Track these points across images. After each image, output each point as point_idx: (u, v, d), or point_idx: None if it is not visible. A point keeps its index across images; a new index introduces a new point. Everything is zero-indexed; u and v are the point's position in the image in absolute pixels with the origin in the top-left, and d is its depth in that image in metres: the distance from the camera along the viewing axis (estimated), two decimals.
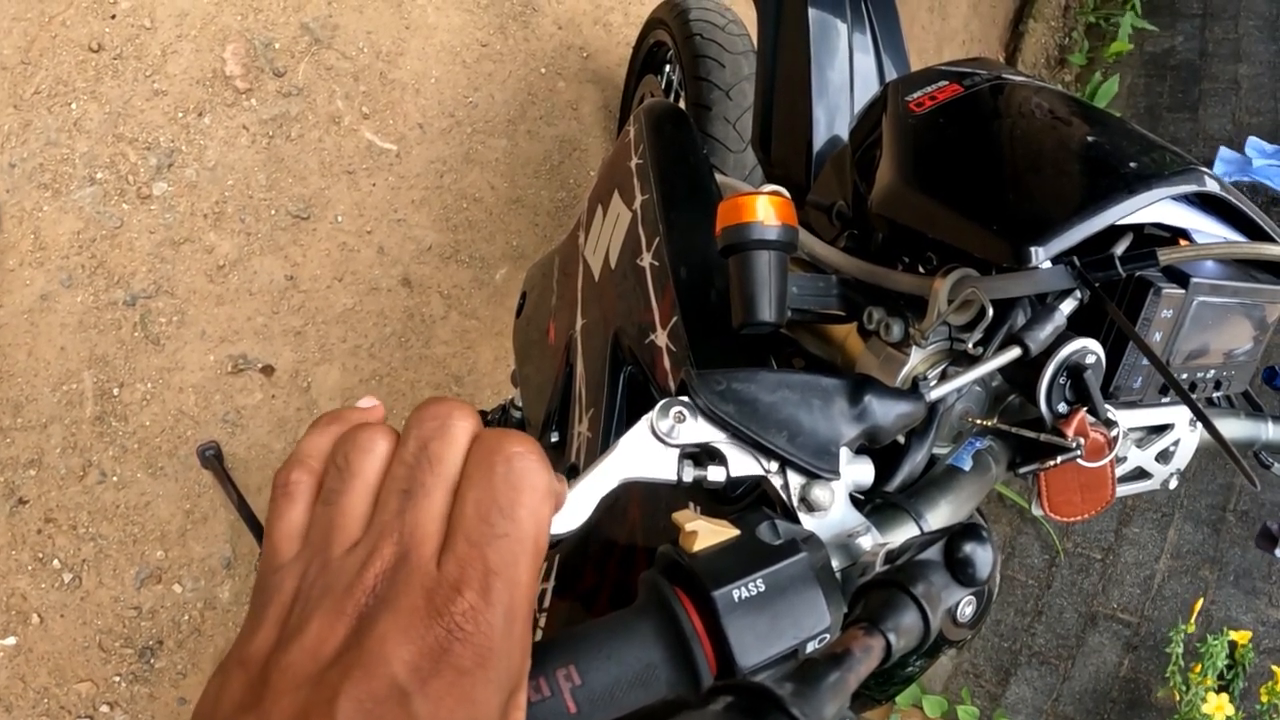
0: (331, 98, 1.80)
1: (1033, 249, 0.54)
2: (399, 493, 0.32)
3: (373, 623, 0.29)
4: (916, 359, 0.60)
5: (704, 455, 0.46)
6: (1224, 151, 3.02)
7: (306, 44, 1.77)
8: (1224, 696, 2.00)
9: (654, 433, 0.45)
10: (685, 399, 0.46)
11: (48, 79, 1.50)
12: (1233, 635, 2.09)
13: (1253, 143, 3.01)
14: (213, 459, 1.63)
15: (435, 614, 0.29)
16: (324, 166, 1.79)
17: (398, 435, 0.35)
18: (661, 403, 0.45)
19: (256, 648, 0.30)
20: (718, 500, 0.59)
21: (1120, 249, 0.57)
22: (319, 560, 0.32)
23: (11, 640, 1.48)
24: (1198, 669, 2.07)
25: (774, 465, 0.47)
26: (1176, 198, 0.59)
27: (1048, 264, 0.55)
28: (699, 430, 0.45)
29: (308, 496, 0.34)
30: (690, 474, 0.45)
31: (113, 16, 1.56)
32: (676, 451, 0.45)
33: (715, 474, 0.46)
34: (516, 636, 0.30)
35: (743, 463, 0.46)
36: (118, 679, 1.56)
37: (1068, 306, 0.55)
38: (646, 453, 0.44)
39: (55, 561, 1.51)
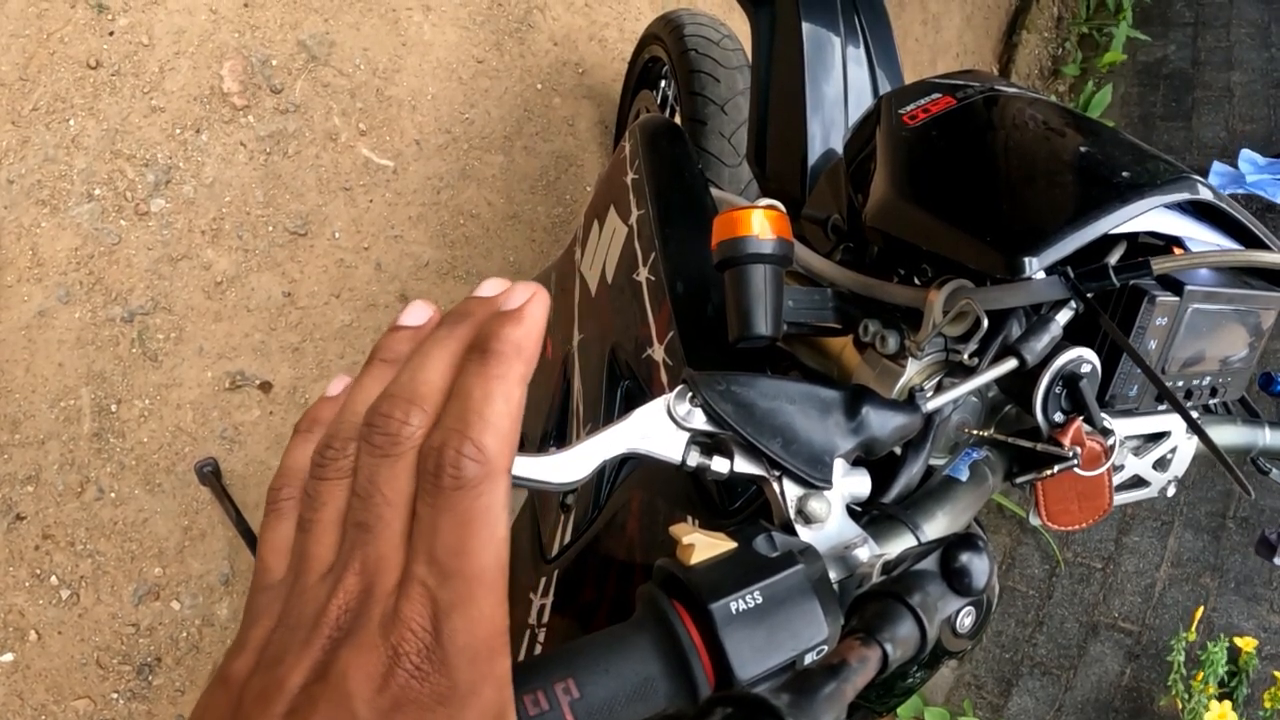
0: (329, 114, 1.81)
1: (1026, 260, 0.54)
2: (355, 525, 0.31)
3: (336, 657, 0.29)
4: (912, 371, 0.60)
5: (711, 446, 0.46)
6: (1217, 165, 3.04)
7: (303, 61, 1.78)
8: (1226, 704, 1.99)
9: (670, 413, 0.45)
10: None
11: (46, 95, 1.51)
12: (1237, 642, 2.09)
13: (1245, 156, 3.04)
14: (211, 475, 1.63)
15: (393, 652, 0.28)
16: (321, 183, 1.80)
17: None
18: (681, 386, 0.45)
19: (237, 669, 0.30)
20: (715, 514, 0.60)
21: (1114, 258, 0.57)
22: (298, 586, 0.32)
23: (9, 657, 1.47)
24: (1200, 677, 2.07)
25: (775, 470, 0.47)
26: (1170, 206, 0.60)
27: (1042, 274, 0.55)
28: (710, 421, 0.46)
29: (295, 513, 0.34)
30: (695, 460, 0.45)
31: (111, 33, 1.56)
32: (686, 435, 0.45)
33: (719, 465, 0.46)
34: (485, 672, 0.29)
35: (747, 461, 0.47)
36: (115, 696, 1.55)
37: (1063, 316, 0.56)
38: (657, 430, 0.45)
39: (53, 578, 1.51)
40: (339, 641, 0.29)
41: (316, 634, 0.29)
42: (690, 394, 0.45)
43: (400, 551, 0.30)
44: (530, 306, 0.33)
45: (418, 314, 0.36)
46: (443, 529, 0.29)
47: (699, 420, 0.45)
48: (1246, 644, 2.09)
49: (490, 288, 0.35)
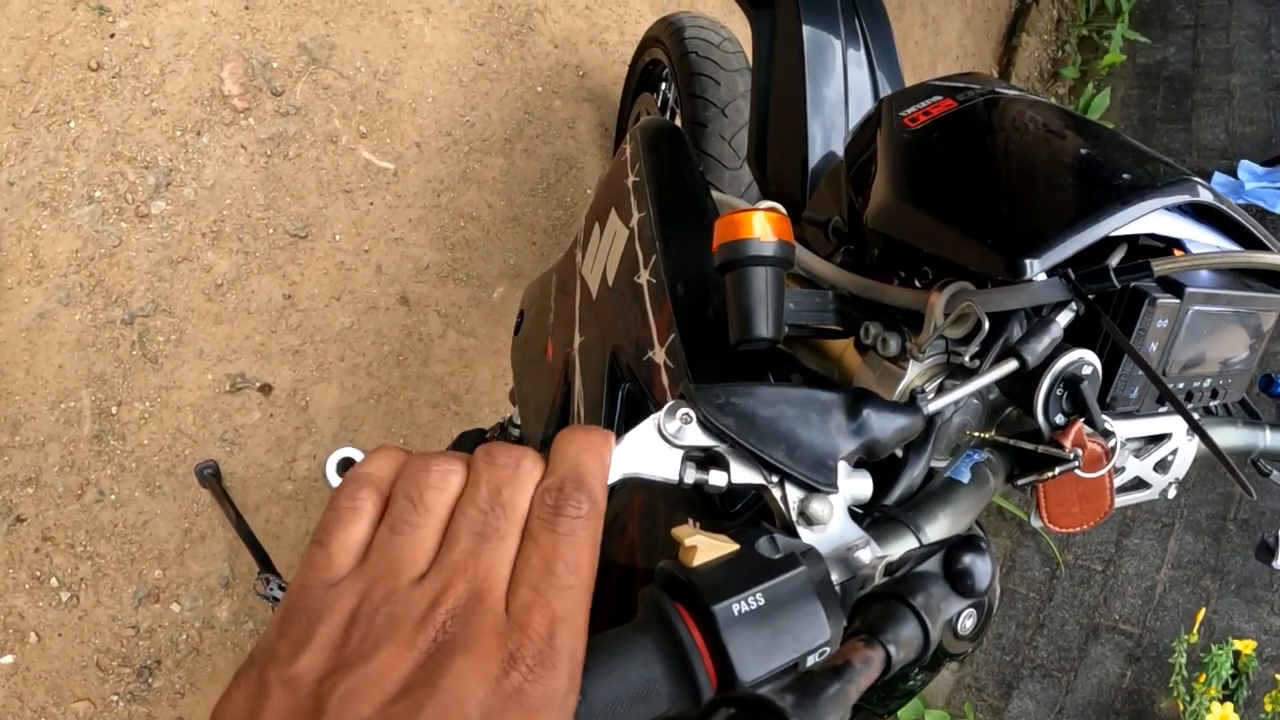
0: (329, 117, 1.81)
1: (1027, 262, 0.54)
2: (473, 534, 0.34)
3: (448, 660, 0.29)
4: (913, 373, 0.60)
5: (707, 460, 0.46)
6: (1217, 176, 3.06)
7: (304, 63, 1.78)
8: (1228, 706, 1.99)
9: (660, 432, 0.45)
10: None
11: (46, 97, 1.51)
12: (1237, 645, 2.09)
13: (1244, 165, 3.05)
14: (211, 478, 1.63)
15: (509, 659, 0.30)
16: (322, 185, 1.80)
17: (464, 471, 0.36)
18: (669, 404, 0.45)
19: (306, 667, 0.30)
20: (716, 516, 0.60)
21: (1115, 260, 0.57)
22: (383, 587, 0.32)
23: (9, 659, 1.47)
24: (1201, 679, 2.07)
25: (774, 477, 0.47)
26: (1170, 208, 0.60)
27: (1043, 276, 0.55)
28: (704, 435, 0.46)
29: (372, 516, 0.35)
30: (692, 476, 0.45)
31: (111, 36, 1.57)
32: (680, 453, 0.45)
33: (717, 479, 0.46)
34: (575, 681, 0.32)
35: (745, 470, 0.46)
36: (115, 698, 1.55)
37: (1064, 318, 0.56)
38: (650, 451, 0.44)
39: (53, 580, 1.51)
40: (446, 645, 0.30)
41: (419, 635, 0.30)
42: (680, 410, 0.45)
43: (510, 565, 0.34)
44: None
45: None
46: (564, 550, 0.34)
47: (690, 436, 0.45)
48: (1245, 646, 2.09)
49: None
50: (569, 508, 0.34)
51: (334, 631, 0.31)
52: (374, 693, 0.28)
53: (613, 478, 0.43)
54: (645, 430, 0.44)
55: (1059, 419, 0.56)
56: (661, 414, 0.45)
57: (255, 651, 0.31)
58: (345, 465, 0.40)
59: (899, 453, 0.56)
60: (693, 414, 0.45)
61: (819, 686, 0.31)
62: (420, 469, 0.35)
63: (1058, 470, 0.55)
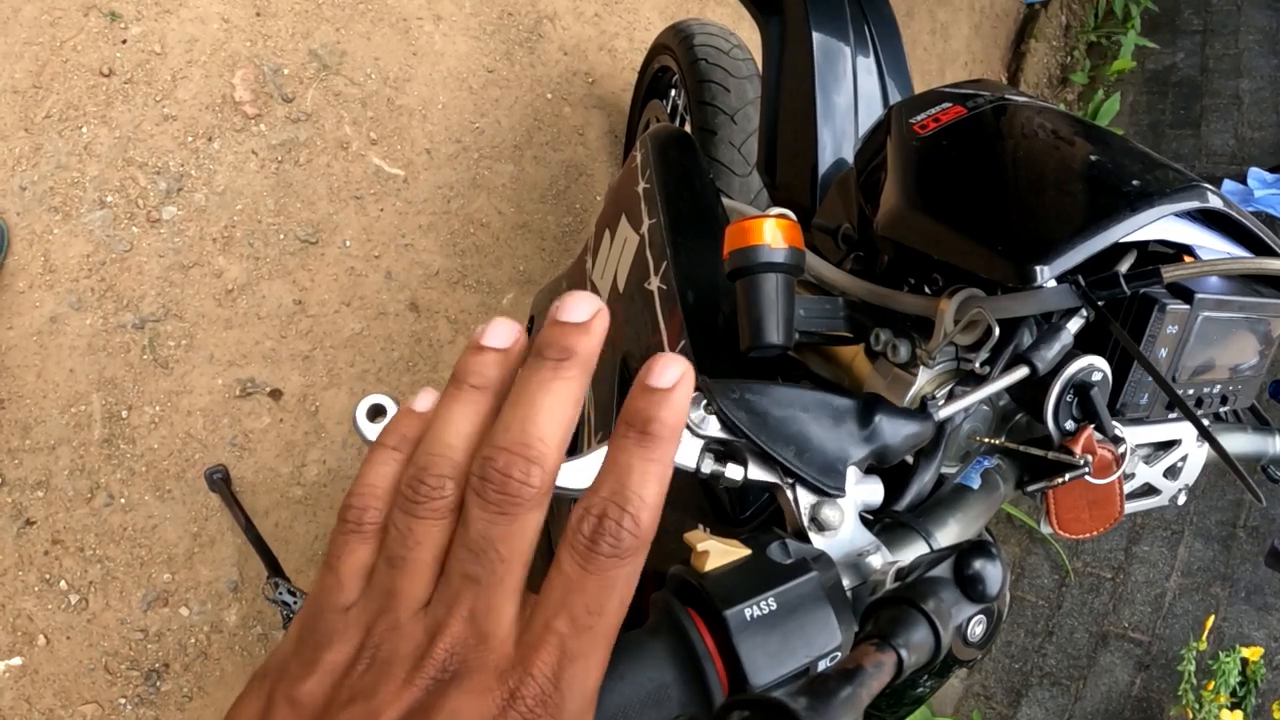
0: (340, 123, 1.82)
1: (1038, 268, 0.54)
2: (464, 577, 0.31)
3: (443, 698, 0.29)
4: (924, 379, 0.60)
5: (725, 453, 0.46)
6: (1226, 183, 3.05)
7: (315, 70, 1.79)
8: (1237, 713, 1.98)
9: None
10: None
11: (59, 103, 1.52)
12: (1244, 652, 2.08)
13: (1254, 173, 3.05)
14: (220, 482, 1.63)
15: (509, 697, 0.29)
16: (332, 192, 1.81)
17: (459, 483, 0.33)
18: (695, 393, 0.45)
19: (310, 691, 0.30)
20: (727, 521, 0.60)
21: (1125, 267, 0.57)
22: (386, 620, 0.31)
23: (18, 661, 1.48)
24: (1210, 686, 2.06)
25: (789, 479, 0.47)
26: (1180, 214, 0.60)
27: (1053, 283, 0.55)
28: (722, 428, 0.46)
29: (377, 537, 0.33)
30: (709, 467, 0.45)
31: (123, 42, 1.58)
32: (700, 443, 0.45)
33: (733, 472, 0.46)
34: (586, 716, 0.30)
35: (761, 469, 0.47)
36: (123, 702, 1.55)
37: (1074, 325, 0.56)
38: None
39: (62, 583, 1.51)
40: (446, 684, 0.29)
41: (418, 674, 0.29)
42: (704, 401, 0.45)
43: (513, 604, 0.31)
44: (680, 388, 0.33)
45: (502, 334, 0.35)
46: (589, 589, 0.30)
47: (713, 427, 0.45)
48: (1254, 653, 2.08)
49: (574, 309, 0.33)
50: (604, 544, 0.31)
51: (340, 659, 0.31)
52: None
53: None
54: None
55: (1069, 425, 0.56)
56: None
57: (271, 662, 0.32)
58: (376, 412, 0.39)
59: (910, 459, 0.56)
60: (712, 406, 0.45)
61: (831, 690, 0.31)
62: (409, 495, 0.32)
63: (1068, 476, 0.55)
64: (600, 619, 0.31)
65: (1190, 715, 2.05)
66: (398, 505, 0.33)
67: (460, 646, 0.30)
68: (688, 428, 0.45)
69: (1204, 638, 2.15)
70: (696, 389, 0.46)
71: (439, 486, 0.32)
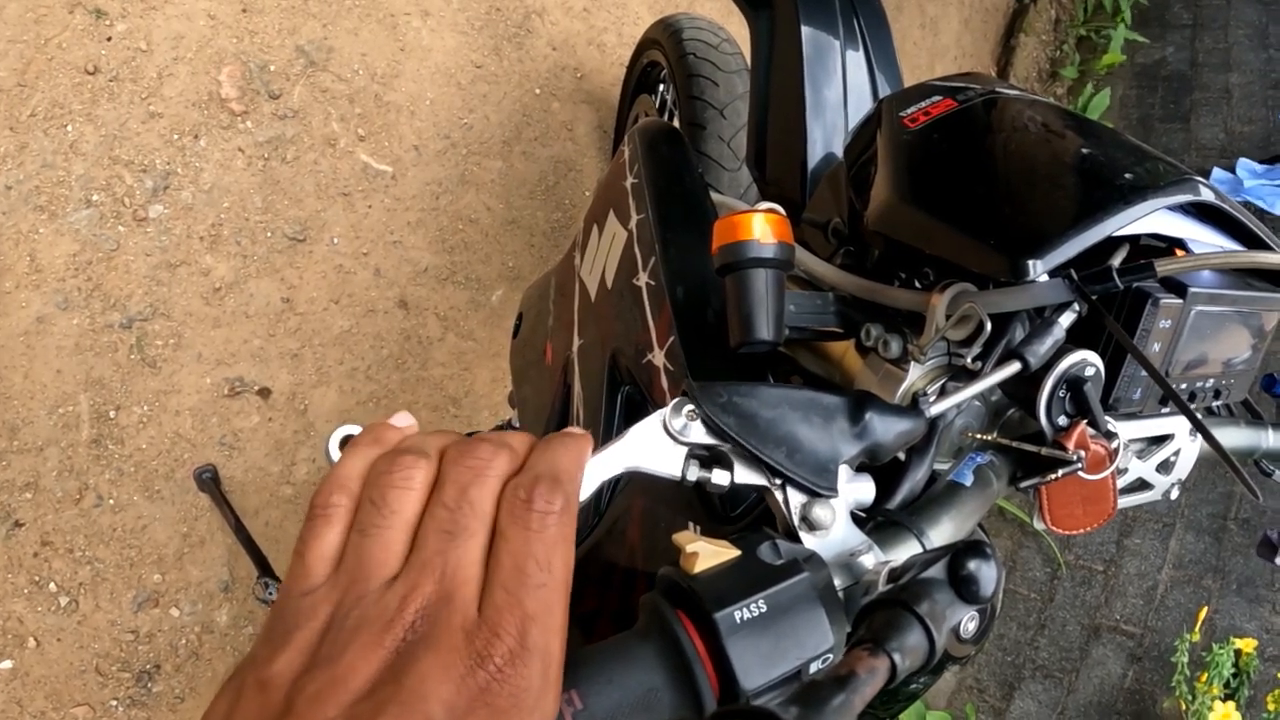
0: (327, 120, 1.81)
1: (1030, 262, 0.54)
2: (441, 533, 0.33)
3: (412, 660, 0.29)
4: (915, 375, 0.60)
5: (710, 459, 0.46)
6: (1216, 172, 3.06)
7: (302, 67, 1.78)
8: (1230, 705, 1.99)
9: (666, 429, 0.44)
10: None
11: (44, 101, 1.51)
12: (1238, 644, 2.09)
13: (1243, 164, 3.06)
14: (210, 482, 1.62)
15: (476, 657, 0.30)
16: (320, 189, 1.80)
17: (432, 465, 0.36)
18: (675, 400, 0.45)
19: (279, 670, 0.30)
20: (718, 521, 0.59)
21: (1117, 260, 0.57)
22: (355, 591, 0.32)
23: (8, 664, 1.47)
24: (1203, 678, 2.06)
25: (777, 480, 0.46)
26: (1172, 208, 0.59)
27: (1045, 277, 0.55)
28: (708, 433, 0.45)
29: (344, 521, 0.35)
30: (695, 474, 0.45)
31: (109, 39, 1.56)
32: (684, 450, 0.45)
33: (720, 478, 0.45)
34: (550, 680, 0.32)
35: (748, 472, 0.46)
36: (115, 703, 1.55)
37: (1066, 319, 0.55)
38: (655, 446, 0.44)
39: (52, 585, 1.50)
40: (414, 644, 0.30)
41: (387, 636, 0.30)
42: (686, 407, 0.45)
43: (480, 564, 0.33)
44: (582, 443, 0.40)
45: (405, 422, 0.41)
46: (534, 546, 0.33)
47: (695, 434, 0.45)
48: (1247, 645, 2.09)
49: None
50: (539, 502, 0.34)
51: (310, 636, 0.31)
52: (341, 692, 0.29)
53: (615, 470, 0.43)
54: (651, 425, 0.44)
55: (1062, 421, 0.56)
56: (668, 410, 0.45)
57: (242, 661, 0.32)
58: (347, 442, 0.40)
59: (901, 456, 0.56)
60: (698, 412, 0.45)
61: (824, 697, 0.31)
62: (384, 469, 0.35)
63: (1061, 472, 0.54)
64: (551, 576, 0.33)
65: (1183, 707, 2.06)
66: (371, 482, 0.35)
67: (430, 609, 0.31)
68: (671, 436, 0.44)
69: (1196, 629, 2.16)
70: (683, 392, 0.46)
71: (414, 464, 0.35)
